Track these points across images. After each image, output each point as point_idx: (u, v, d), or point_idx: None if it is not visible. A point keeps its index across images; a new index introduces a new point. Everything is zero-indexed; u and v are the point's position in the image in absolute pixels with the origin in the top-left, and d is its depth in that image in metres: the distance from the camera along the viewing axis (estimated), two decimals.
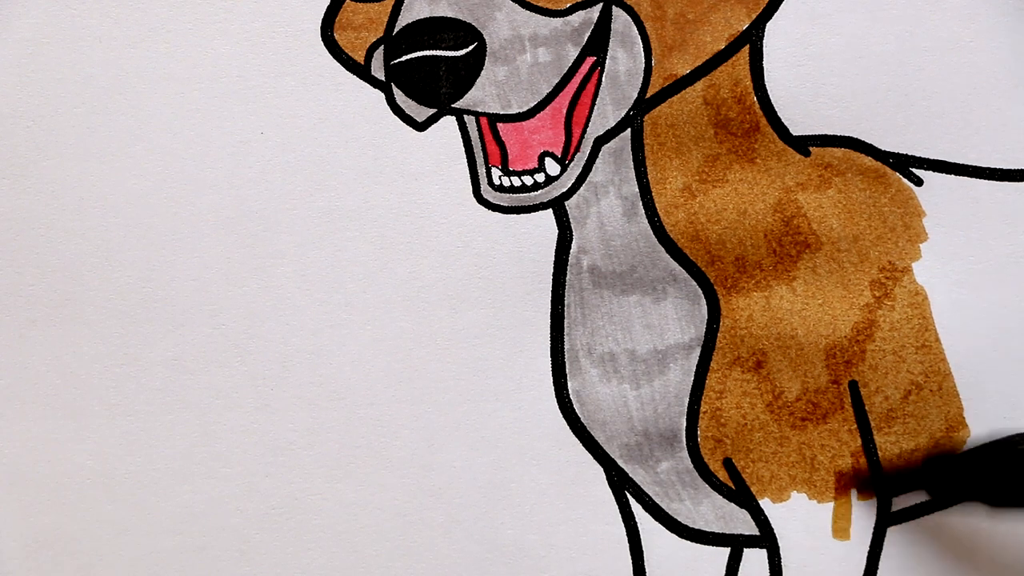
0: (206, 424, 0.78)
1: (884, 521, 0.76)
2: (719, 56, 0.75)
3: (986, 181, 0.76)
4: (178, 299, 0.77)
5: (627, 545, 0.77)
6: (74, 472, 0.78)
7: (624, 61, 0.74)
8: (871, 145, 0.75)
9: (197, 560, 0.78)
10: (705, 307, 0.75)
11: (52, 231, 0.77)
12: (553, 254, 0.76)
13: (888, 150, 0.76)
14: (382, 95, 0.76)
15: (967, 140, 0.75)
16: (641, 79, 0.74)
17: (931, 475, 0.75)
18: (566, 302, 0.76)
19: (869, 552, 0.76)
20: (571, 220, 0.76)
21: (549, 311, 0.76)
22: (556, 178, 0.75)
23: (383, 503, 0.77)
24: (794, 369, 0.75)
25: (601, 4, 0.74)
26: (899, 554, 0.76)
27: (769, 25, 0.75)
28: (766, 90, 0.75)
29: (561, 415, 0.77)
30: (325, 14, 0.76)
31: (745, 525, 0.76)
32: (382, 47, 0.75)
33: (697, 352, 0.75)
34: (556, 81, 0.74)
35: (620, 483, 0.77)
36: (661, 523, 0.77)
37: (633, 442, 0.76)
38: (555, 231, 0.76)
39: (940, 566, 0.76)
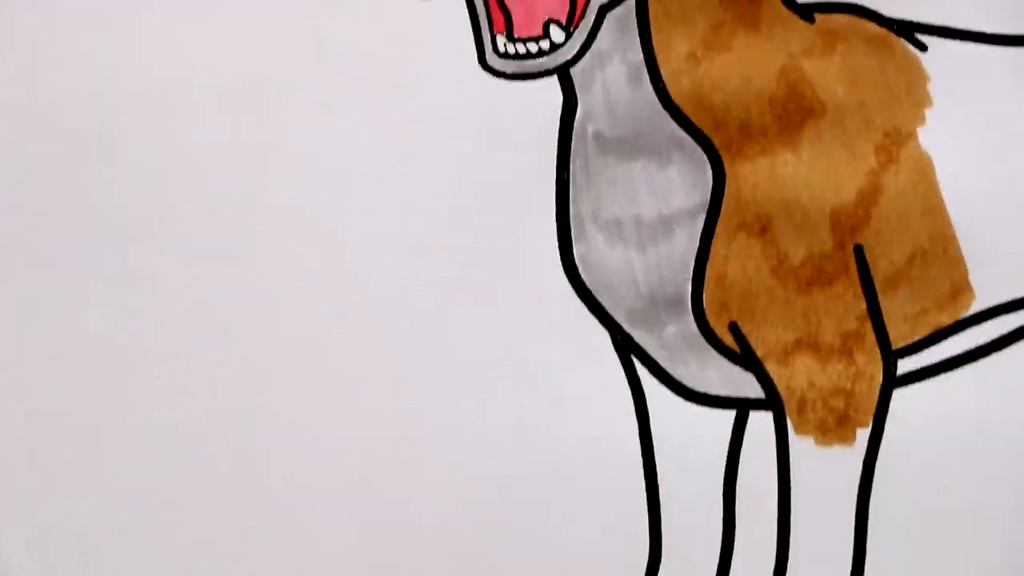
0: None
1: (889, 384, 0.77)
2: None
3: (990, 46, 0.76)
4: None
5: (633, 408, 0.78)
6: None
7: None
8: (875, 12, 0.76)
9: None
10: (710, 173, 0.76)
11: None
12: (558, 121, 0.77)
13: (892, 16, 0.76)
14: None
15: (971, 5, 0.75)
16: None
17: None
18: (571, 168, 0.77)
19: (875, 415, 0.77)
20: (576, 87, 0.76)
21: (554, 177, 0.77)
22: (561, 45, 0.75)
23: (391, 365, 0.79)
24: (799, 234, 0.76)
25: None
26: (903, 416, 0.77)
27: None
28: None
29: (567, 280, 0.77)
30: None
31: (751, 388, 0.77)
32: None
33: (702, 217, 0.76)
34: None
35: (626, 347, 0.78)
36: (667, 386, 0.78)
37: (639, 307, 0.77)
38: (560, 98, 0.76)
39: (948, 423, 0.77)
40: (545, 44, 0.75)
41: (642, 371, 0.78)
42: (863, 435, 0.77)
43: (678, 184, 0.76)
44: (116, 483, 0.80)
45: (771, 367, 0.76)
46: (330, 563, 0.79)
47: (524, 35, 0.75)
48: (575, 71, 0.76)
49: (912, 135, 0.76)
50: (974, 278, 0.76)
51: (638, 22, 0.75)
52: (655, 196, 0.76)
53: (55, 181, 0.79)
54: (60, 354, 0.80)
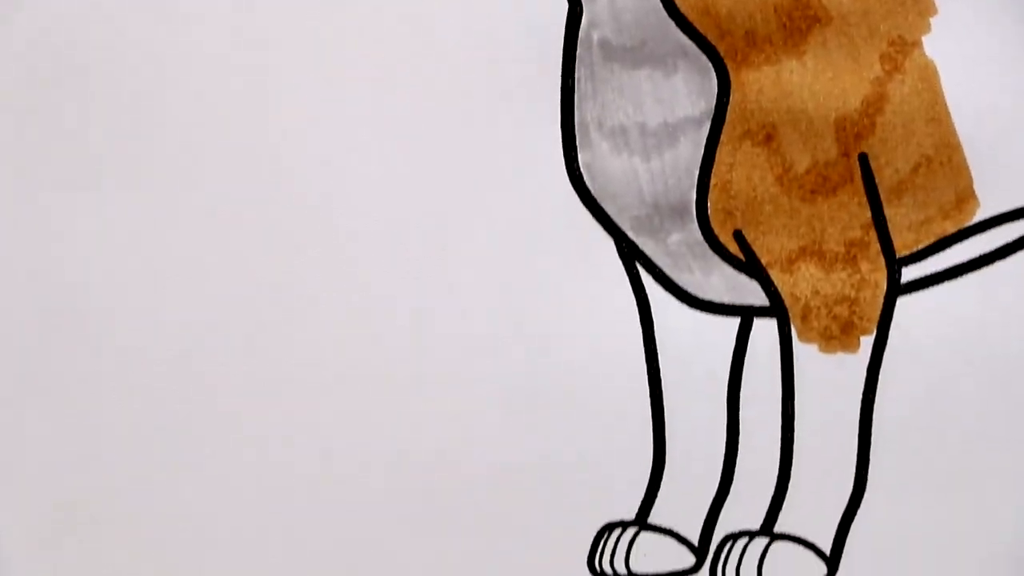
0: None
1: (893, 291, 0.77)
2: None
3: None
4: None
5: (637, 315, 0.78)
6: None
7: None
8: None
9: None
10: (715, 81, 0.76)
11: None
12: (564, 28, 0.77)
13: None
14: None
15: None
16: None
17: None
18: (576, 76, 0.77)
19: (879, 323, 0.77)
20: None
21: (560, 85, 0.77)
22: None
23: (392, 273, 0.79)
24: (804, 142, 0.76)
25: None
26: (907, 324, 0.77)
27: None
28: None
29: (572, 187, 0.78)
30: None
31: (755, 296, 0.77)
32: None
33: (707, 125, 0.76)
34: None
35: (630, 254, 0.78)
36: (671, 293, 0.78)
37: (643, 214, 0.77)
38: (565, 5, 0.77)
39: (951, 330, 0.77)
40: None
41: (646, 279, 0.78)
42: (867, 342, 0.77)
43: (683, 92, 0.76)
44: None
45: (775, 275, 0.77)
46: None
47: None
48: None
49: (917, 43, 0.76)
50: (978, 186, 0.76)
51: None
52: (660, 104, 0.76)
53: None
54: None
